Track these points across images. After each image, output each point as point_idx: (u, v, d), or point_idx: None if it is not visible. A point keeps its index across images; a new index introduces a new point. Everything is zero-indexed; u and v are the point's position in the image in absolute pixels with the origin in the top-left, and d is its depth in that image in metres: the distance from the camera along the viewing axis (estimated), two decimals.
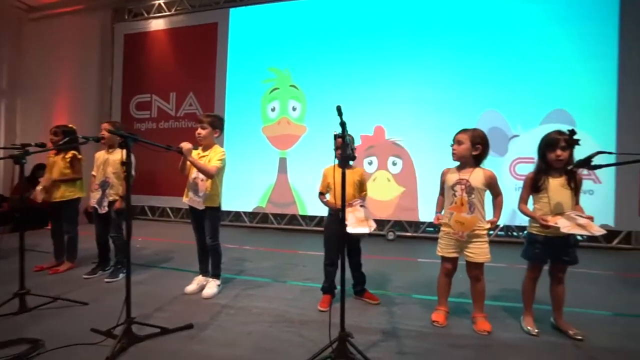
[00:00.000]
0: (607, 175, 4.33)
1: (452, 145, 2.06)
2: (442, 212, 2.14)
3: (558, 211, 1.89)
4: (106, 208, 2.82)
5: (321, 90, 5.25)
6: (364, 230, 2.12)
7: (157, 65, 6.20)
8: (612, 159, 3.08)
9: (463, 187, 1.98)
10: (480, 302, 2.06)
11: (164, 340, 1.81)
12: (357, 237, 2.36)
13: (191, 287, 2.53)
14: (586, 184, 4.37)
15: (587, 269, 3.38)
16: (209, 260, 2.59)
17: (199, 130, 2.49)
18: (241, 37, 5.73)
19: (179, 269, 3.16)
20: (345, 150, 1.54)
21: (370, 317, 2.17)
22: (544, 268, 2.02)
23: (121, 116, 6.30)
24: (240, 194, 5.52)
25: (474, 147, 2.00)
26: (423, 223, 4.98)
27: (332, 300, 2.32)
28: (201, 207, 2.45)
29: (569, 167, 1.82)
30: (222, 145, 2.84)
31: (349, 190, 2.23)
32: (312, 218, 5.41)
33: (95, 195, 2.86)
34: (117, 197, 2.82)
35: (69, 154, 2.99)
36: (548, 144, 1.91)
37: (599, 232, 1.76)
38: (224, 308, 2.27)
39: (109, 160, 2.88)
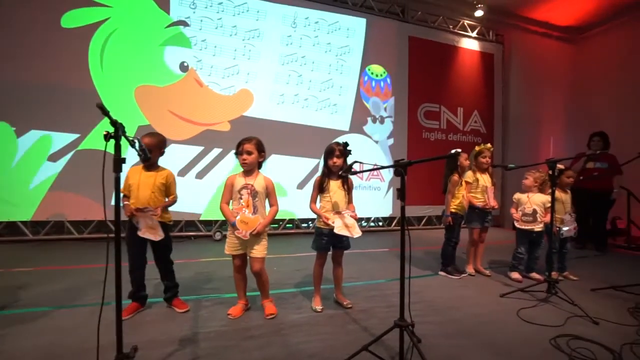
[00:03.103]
0: (387, 177, 5.77)
1: (240, 156, 2.18)
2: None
3: (336, 208, 2.32)
4: None
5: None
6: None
7: None
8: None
9: (249, 191, 2.18)
10: (265, 291, 2.33)
11: None
12: (165, 243, 2.22)
13: None
14: (375, 182, 5.67)
15: (372, 249, 4.37)
16: None
17: None
18: None
19: None
20: (118, 152, 1.37)
21: (171, 327, 2.06)
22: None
23: None
24: (18, 200, 4.17)
25: (260, 155, 2.24)
26: None
27: (139, 308, 2.24)
28: None
29: (340, 173, 2.28)
30: None
31: (146, 193, 2.14)
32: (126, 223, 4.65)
33: None
34: None
35: None
36: (328, 152, 2.32)
37: (357, 234, 2.27)
38: None
39: None
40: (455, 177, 3.21)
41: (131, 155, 1.65)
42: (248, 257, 2.28)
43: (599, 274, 3.43)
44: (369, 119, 5.76)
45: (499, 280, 3.19)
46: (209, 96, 4.89)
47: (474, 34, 6.66)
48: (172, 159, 4.62)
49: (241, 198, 2.18)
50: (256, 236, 2.19)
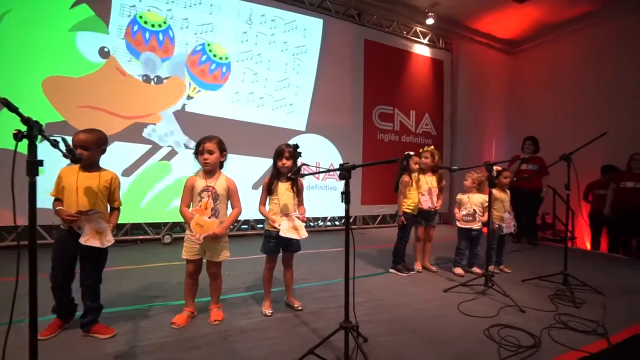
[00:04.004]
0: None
1: (201, 156, 2.11)
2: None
3: (285, 210, 2.30)
4: None
5: None
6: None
7: None
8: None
9: (210, 193, 2.10)
10: (217, 296, 2.27)
11: None
12: (102, 256, 1.98)
13: None
14: (331, 182, 5.74)
15: (326, 249, 4.41)
16: None
17: None
18: None
19: None
20: (32, 154, 1.23)
21: (104, 343, 1.89)
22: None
23: None
24: None
25: (222, 154, 2.17)
26: None
27: (62, 325, 1.96)
28: None
29: (289, 175, 2.26)
30: None
31: (89, 196, 1.90)
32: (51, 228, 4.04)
33: None
34: None
35: None
36: (277, 153, 2.30)
37: (304, 236, 2.27)
38: None
39: None
40: (406, 178, 3.34)
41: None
42: (204, 261, 2.19)
43: (529, 266, 3.78)
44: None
45: (444, 275, 3.39)
46: (135, 86, 4.47)
47: (426, 41, 6.99)
48: (116, 157, 4.31)
49: (201, 200, 2.09)
50: (216, 240, 2.11)
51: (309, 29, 5.69)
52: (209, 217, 2.08)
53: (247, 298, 2.63)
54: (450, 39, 7.30)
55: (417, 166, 3.44)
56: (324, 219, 6.01)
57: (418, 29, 6.87)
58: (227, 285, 2.80)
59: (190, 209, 2.15)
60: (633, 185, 4.65)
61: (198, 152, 2.13)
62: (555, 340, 2.03)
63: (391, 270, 3.45)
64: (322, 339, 1.80)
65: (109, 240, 1.93)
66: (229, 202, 2.21)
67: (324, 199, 5.72)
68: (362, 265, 3.65)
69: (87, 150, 1.90)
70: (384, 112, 6.46)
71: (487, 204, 3.20)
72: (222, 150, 2.18)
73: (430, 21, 6.59)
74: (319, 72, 5.73)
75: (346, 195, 1.67)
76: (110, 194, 2.03)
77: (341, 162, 5.81)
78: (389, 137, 6.50)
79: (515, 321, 2.28)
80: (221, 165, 2.21)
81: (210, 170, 2.15)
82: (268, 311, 2.31)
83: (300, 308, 2.40)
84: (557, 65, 6.82)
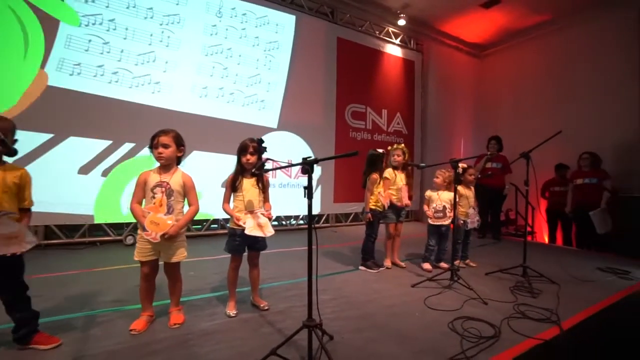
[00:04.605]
0: (315, 175, 5.83)
1: (155, 150, 2.02)
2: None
3: (250, 207, 2.22)
4: None
5: None
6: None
7: None
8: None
9: (163, 189, 2.00)
10: (176, 298, 2.17)
11: None
12: (15, 261, 1.66)
13: None
14: (304, 181, 5.67)
15: (296, 247, 4.35)
16: None
17: None
18: None
19: None
20: None
21: (50, 353, 1.74)
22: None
23: None
24: None
25: (179, 149, 2.07)
26: None
27: None
28: None
29: (253, 170, 2.19)
30: None
31: None
32: None
33: None
34: None
35: None
36: (241, 149, 2.22)
37: (269, 233, 2.21)
38: None
39: None
40: (374, 175, 3.35)
41: None
42: (161, 263, 2.08)
43: (493, 260, 3.93)
44: None
45: (412, 271, 3.44)
46: None
47: (397, 41, 7.10)
48: (73, 153, 4.04)
49: (153, 197, 1.98)
50: (171, 239, 2.00)
51: (281, 25, 5.60)
52: (165, 215, 1.97)
53: (212, 299, 2.52)
54: (421, 41, 7.46)
55: (384, 164, 3.48)
56: (296, 217, 5.95)
57: (390, 29, 6.96)
58: (192, 286, 2.69)
59: (143, 206, 2.03)
60: (582, 182, 4.99)
61: (153, 146, 2.02)
62: (514, 329, 2.11)
63: (361, 268, 3.45)
64: (286, 338, 1.75)
65: (29, 241, 1.65)
66: (186, 199, 2.11)
67: (296, 197, 5.65)
68: (332, 263, 3.64)
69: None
70: (356, 111, 6.49)
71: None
72: (180, 144, 2.08)
73: (402, 22, 6.69)
74: (291, 69, 5.66)
75: (309, 190, 1.63)
76: (20, 191, 1.73)
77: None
78: (361, 136, 6.54)
79: (478, 313, 2.35)
80: (178, 161, 2.11)
81: (165, 164, 2.05)
82: (232, 312, 2.23)
83: (266, 308, 2.33)
84: (519, 70, 7.17)
